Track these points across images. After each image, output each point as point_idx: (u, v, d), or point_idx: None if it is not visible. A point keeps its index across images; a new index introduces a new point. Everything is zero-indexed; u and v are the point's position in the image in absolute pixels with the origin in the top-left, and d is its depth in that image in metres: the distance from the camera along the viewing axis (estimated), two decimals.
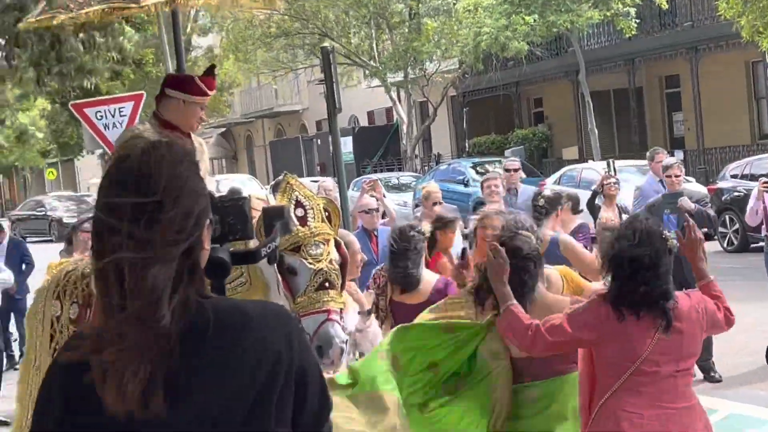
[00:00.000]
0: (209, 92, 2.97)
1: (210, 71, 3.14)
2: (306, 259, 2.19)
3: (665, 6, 16.79)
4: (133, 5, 3.67)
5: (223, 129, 29.50)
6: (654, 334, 2.08)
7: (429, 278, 3.42)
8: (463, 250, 3.40)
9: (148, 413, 0.76)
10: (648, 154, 7.21)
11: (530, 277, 2.43)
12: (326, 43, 15.67)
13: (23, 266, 7.44)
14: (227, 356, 0.82)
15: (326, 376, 1.71)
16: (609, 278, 2.24)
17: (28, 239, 16.84)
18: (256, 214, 2.01)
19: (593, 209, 6.16)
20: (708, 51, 17.35)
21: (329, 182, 7.52)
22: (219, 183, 11.72)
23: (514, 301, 2.23)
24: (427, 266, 3.72)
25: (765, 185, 5.74)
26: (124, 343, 0.76)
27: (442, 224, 4.02)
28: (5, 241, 7.53)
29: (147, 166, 0.80)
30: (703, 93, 17.32)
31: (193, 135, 3.01)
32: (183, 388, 0.79)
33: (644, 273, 2.09)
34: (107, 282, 0.79)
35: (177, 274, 0.80)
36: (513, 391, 2.45)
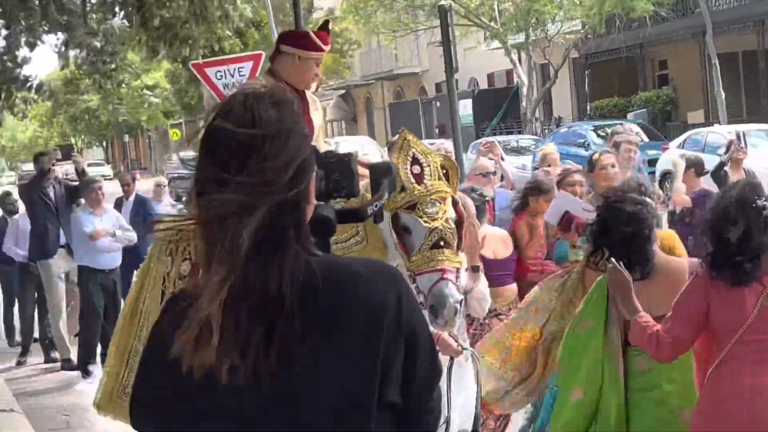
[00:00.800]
0: (324, 47, 2.76)
1: (325, 26, 3.01)
2: (421, 217, 2.06)
3: None
4: None
5: (343, 91, 30.24)
6: (757, 302, 2.02)
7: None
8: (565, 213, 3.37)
9: (249, 375, 0.71)
10: None
11: (646, 242, 2.41)
12: (444, 1, 15.75)
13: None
14: (337, 316, 0.76)
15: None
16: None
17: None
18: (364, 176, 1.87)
19: (719, 179, 5.97)
20: None
21: (448, 144, 7.25)
22: (338, 145, 10.88)
23: (641, 312, 2.17)
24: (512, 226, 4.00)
25: None
26: (224, 299, 0.71)
27: (536, 190, 4.01)
28: (132, 198, 7.31)
29: (249, 110, 0.75)
30: None
31: (307, 92, 2.84)
32: (290, 347, 0.73)
33: (737, 243, 2.03)
34: (212, 234, 0.74)
35: (283, 229, 0.75)
36: (625, 356, 2.42)
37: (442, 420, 1.62)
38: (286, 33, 3.37)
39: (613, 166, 4.07)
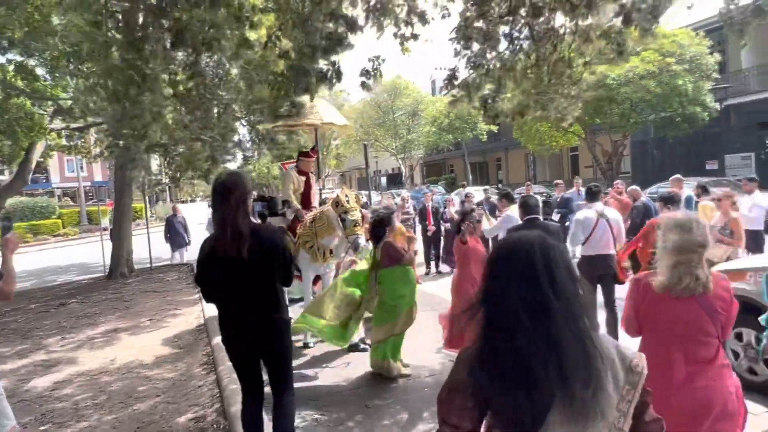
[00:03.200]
0: (313, 156, 7.17)
1: (313, 148, 7.50)
2: (348, 213, 5.87)
3: None
4: (298, 123, 8.20)
5: (341, 173, 63.43)
6: None
7: None
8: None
9: (235, 261, 3.17)
10: None
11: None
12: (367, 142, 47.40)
13: None
14: (261, 243, 3.20)
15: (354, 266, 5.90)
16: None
17: None
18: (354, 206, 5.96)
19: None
20: None
21: (404, 193, 34.92)
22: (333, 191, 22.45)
23: None
24: None
25: None
26: (223, 232, 3.20)
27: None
28: None
29: (227, 180, 3.27)
30: None
31: (311, 174, 7.13)
32: (249, 249, 3.22)
33: None
34: (220, 221, 3.22)
35: (242, 215, 3.17)
36: None
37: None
38: (300, 152, 7.57)
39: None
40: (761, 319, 3.81)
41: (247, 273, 3.17)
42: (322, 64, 5.81)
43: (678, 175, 10.06)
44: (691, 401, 2.48)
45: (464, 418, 1.35)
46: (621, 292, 3.89)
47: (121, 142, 7.56)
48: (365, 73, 6.21)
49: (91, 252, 20.03)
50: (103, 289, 12.20)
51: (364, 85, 6.37)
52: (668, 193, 6.76)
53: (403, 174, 50.78)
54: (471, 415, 1.35)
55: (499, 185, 42.32)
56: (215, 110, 8.85)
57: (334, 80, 5.97)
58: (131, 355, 6.76)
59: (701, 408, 2.47)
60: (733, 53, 23.56)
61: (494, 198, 13.36)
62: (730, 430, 2.53)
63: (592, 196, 6.39)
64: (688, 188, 10.13)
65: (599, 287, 6.05)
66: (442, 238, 12.07)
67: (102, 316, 9.26)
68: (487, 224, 6.65)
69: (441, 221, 12.08)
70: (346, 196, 6.19)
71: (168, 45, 5.42)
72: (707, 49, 20.52)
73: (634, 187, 9.54)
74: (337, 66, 5.99)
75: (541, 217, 5.59)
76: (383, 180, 57.25)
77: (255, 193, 9.49)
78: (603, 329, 5.98)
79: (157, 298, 10.52)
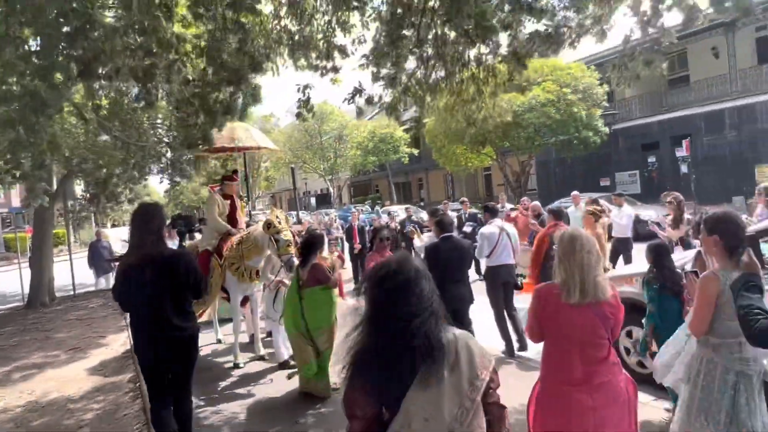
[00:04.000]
0: (236, 179, 7.07)
1: (234, 171, 7.20)
2: (281, 233, 5.76)
3: None
4: (228, 148, 8.25)
5: (271, 194, 61.98)
6: None
7: None
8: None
9: (146, 280, 3.43)
10: None
11: None
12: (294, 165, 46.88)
13: None
14: (171, 265, 3.50)
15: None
16: None
17: None
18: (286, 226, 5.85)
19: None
20: None
21: (332, 214, 36.56)
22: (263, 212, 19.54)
23: None
24: None
25: None
26: (137, 256, 3.46)
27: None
28: None
29: (145, 209, 3.70)
30: None
31: (235, 196, 6.91)
32: (157, 271, 3.44)
33: None
34: (136, 246, 3.55)
35: (157, 238, 3.48)
36: None
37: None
38: (224, 175, 7.22)
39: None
40: (645, 319, 4.12)
41: (157, 290, 3.47)
42: (224, 96, 5.67)
43: (575, 192, 10.88)
44: (589, 397, 2.63)
45: (367, 407, 1.62)
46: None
47: (17, 172, 7.12)
48: (300, 103, 6.17)
49: (9, 281, 18.38)
50: (22, 319, 11.20)
51: (299, 115, 6.34)
52: (556, 207, 7.23)
53: (332, 194, 50.76)
54: (370, 402, 1.62)
55: (421, 203, 43.23)
56: (143, 132, 8.46)
57: (242, 110, 5.86)
58: (53, 388, 6.23)
59: (599, 402, 2.62)
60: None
61: (416, 216, 13.62)
62: (625, 418, 2.71)
63: (492, 213, 6.72)
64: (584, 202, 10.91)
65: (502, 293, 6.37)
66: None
67: (21, 348, 8.49)
68: (419, 241, 6.86)
69: (367, 239, 12.17)
70: (277, 217, 6.07)
71: (75, 73, 5.03)
72: (597, 81, 22.17)
73: (535, 203, 10.15)
74: (238, 98, 5.85)
75: (455, 234, 5.77)
76: (312, 200, 56.86)
77: (179, 212, 9.39)
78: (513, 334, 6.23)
79: (81, 326, 9.80)
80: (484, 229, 6.51)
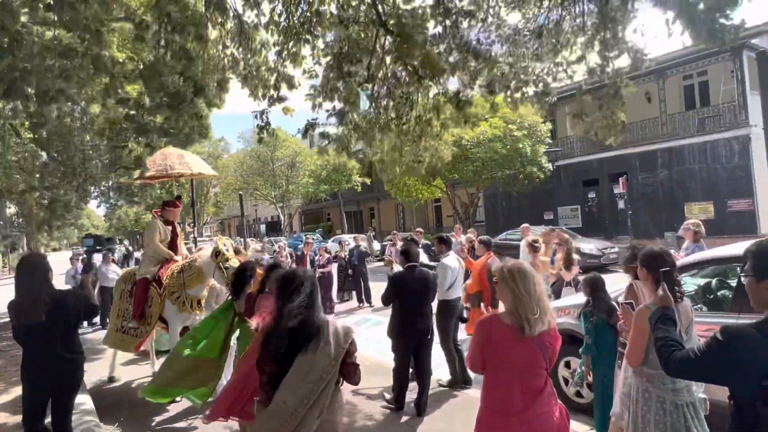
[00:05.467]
0: (179, 206, 6.74)
1: (179, 197, 6.96)
2: (230, 261, 5.64)
3: None
4: (164, 176, 7.50)
5: (220, 220, 60.82)
6: None
7: None
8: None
9: (38, 319, 3.68)
10: None
11: None
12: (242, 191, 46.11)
13: None
14: (56, 304, 3.81)
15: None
16: None
17: None
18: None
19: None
20: None
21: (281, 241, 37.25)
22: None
23: None
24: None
25: None
26: (27, 299, 3.82)
27: None
28: None
29: (32, 259, 4.05)
30: None
31: (176, 223, 6.65)
32: (49, 311, 3.73)
33: None
34: (25, 291, 3.79)
35: (44, 281, 3.82)
36: None
37: None
38: (165, 201, 6.89)
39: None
40: (581, 351, 4.24)
41: (44, 327, 3.85)
42: (161, 119, 5.55)
43: (526, 224, 11.37)
44: (528, 426, 2.66)
45: (272, 366, 2.46)
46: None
47: None
48: (260, 128, 6.13)
49: None
50: None
51: (261, 140, 6.34)
52: (485, 238, 7.33)
53: (282, 222, 50.02)
54: (274, 363, 2.45)
55: (373, 231, 43.38)
56: (77, 156, 8.11)
57: (187, 142, 5.78)
58: None
59: (537, 430, 2.67)
60: (560, 122, 26.85)
61: (363, 246, 13.62)
62: None
63: (447, 245, 6.45)
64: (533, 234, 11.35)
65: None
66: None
67: None
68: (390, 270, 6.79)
69: (316, 268, 12.06)
70: (224, 245, 5.91)
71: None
72: (541, 119, 23.20)
73: (468, 234, 10.73)
74: (178, 123, 5.76)
75: (418, 264, 5.60)
76: (263, 227, 55.82)
77: (88, 232, 9.26)
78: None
79: (4, 357, 9.10)
80: (446, 261, 6.23)
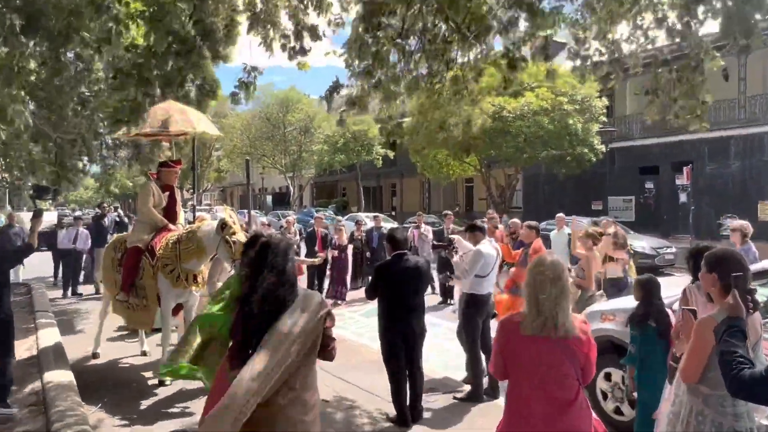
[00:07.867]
0: (176, 167, 6.86)
1: (178, 160, 7.18)
2: (238, 236, 5.59)
3: None
4: (163, 133, 7.24)
5: (222, 188, 62.05)
6: None
7: None
8: None
9: None
10: None
11: None
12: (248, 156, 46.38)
13: None
14: None
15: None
16: None
17: None
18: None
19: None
20: None
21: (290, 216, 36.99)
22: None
23: None
24: None
25: None
26: None
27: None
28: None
29: None
30: None
31: (175, 188, 6.82)
32: None
33: None
34: None
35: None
36: None
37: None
38: (160, 162, 7.23)
39: None
40: (623, 360, 4.21)
41: None
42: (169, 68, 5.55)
43: (560, 214, 11.15)
44: None
45: (240, 334, 2.65)
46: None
47: None
48: (240, 84, 6.01)
49: None
50: None
51: (234, 98, 6.15)
52: (534, 223, 7.44)
53: (291, 194, 50.14)
54: (242, 330, 2.64)
55: (393, 212, 43.23)
56: (70, 108, 8.22)
57: (187, 87, 5.76)
58: None
59: None
60: (619, 99, 26.28)
61: (385, 228, 13.61)
62: None
63: (482, 233, 6.25)
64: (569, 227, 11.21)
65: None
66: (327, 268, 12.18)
67: None
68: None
69: (329, 248, 12.12)
70: (231, 216, 5.95)
71: (18, 29, 4.91)
72: (596, 93, 22.69)
73: (514, 219, 10.58)
74: (186, 74, 5.73)
75: (409, 252, 5.46)
76: (269, 199, 56.12)
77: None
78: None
79: None
80: (482, 247, 6.00)
